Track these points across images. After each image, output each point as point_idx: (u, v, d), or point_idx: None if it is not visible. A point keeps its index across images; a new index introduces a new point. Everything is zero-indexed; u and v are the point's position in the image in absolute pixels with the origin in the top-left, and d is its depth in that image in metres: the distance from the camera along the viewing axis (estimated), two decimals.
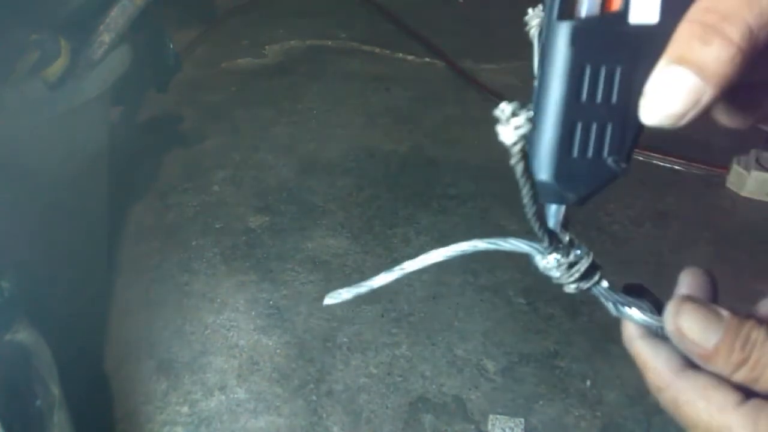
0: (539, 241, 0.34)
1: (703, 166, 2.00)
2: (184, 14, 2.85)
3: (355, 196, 1.89)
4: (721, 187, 1.96)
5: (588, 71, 0.30)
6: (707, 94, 0.27)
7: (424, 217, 1.80)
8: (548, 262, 0.35)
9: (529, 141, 0.32)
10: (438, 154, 2.08)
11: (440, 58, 2.69)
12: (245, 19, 3.10)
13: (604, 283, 0.35)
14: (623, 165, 0.32)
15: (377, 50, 2.81)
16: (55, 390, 0.97)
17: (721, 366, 0.30)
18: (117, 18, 1.36)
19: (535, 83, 0.32)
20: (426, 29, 2.88)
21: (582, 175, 0.32)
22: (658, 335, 0.34)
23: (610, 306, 0.35)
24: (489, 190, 1.89)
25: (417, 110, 2.34)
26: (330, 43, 2.89)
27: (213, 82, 2.53)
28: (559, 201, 0.34)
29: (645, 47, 0.29)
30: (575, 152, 0.32)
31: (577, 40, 0.29)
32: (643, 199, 1.88)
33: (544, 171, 0.32)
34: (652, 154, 2.02)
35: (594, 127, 0.31)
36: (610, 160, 0.32)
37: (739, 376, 0.29)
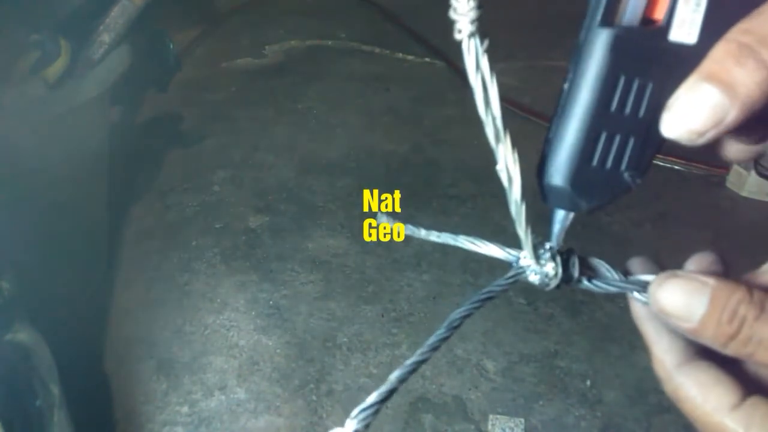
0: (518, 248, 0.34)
1: (703, 166, 2.00)
2: (184, 14, 2.85)
3: (355, 196, 1.89)
4: (721, 187, 1.96)
5: (622, 81, 0.30)
6: (731, 115, 0.26)
7: (424, 217, 1.80)
8: (530, 276, 0.34)
9: (549, 144, 0.32)
10: (438, 154, 2.08)
11: (440, 58, 2.69)
12: (245, 19, 3.10)
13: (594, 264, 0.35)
14: (638, 180, 0.32)
15: (377, 50, 2.81)
16: (55, 390, 0.97)
17: (710, 340, 0.29)
18: (117, 18, 1.36)
19: (565, 86, 0.31)
20: (426, 29, 2.88)
21: (597, 185, 0.32)
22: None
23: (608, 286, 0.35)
24: (489, 191, 1.89)
25: (417, 110, 2.34)
26: (330, 43, 2.89)
27: (213, 82, 2.53)
28: (570, 208, 0.33)
29: (679, 66, 0.29)
30: (595, 161, 0.31)
31: (616, 48, 0.29)
32: (643, 199, 1.87)
33: (560, 176, 0.32)
34: None
35: (617, 138, 0.31)
36: (626, 174, 0.32)
37: (731, 350, 0.29)
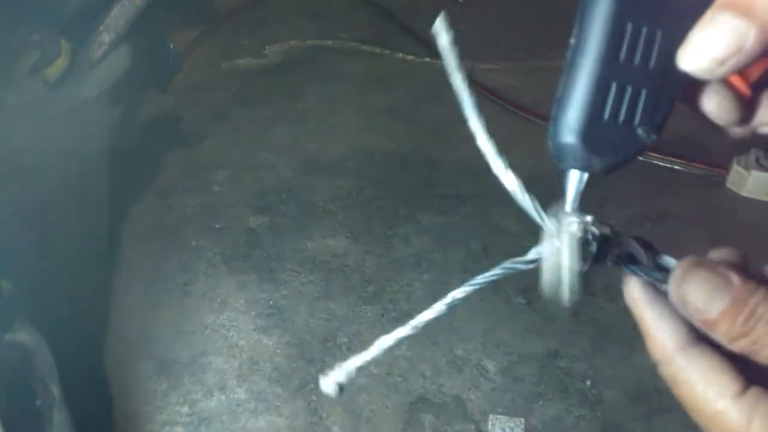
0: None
1: (703, 166, 2.00)
2: (184, 14, 2.85)
3: (355, 196, 1.89)
4: (721, 187, 1.96)
5: (629, 30, 0.29)
6: (750, 39, 0.26)
7: (424, 217, 1.80)
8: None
9: (558, 102, 0.31)
10: (438, 154, 2.08)
11: (440, 58, 2.69)
12: (245, 19, 3.10)
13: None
14: (653, 137, 0.31)
15: (377, 50, 2.81)
16: (55, 390, 0.97)
17: (721, 335, 0.29)
18: (117, 18, 1.36)
19: (571, 40, 0.30)
20: (426, 29, 2.88)
21: (610, 141, 0.31)
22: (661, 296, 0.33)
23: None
24: (489, 190, 1.89)
25: (417, 110, 2.34)
26: (330, 43, 2.89)
27: (213, 82, 2.53)
28: (583, 167, 0.32)
29: (688, 14, 0.28)
30: (606, 115, 0.30)
31: None
32: (643, 199, 1.87)
33: (571, 132, 0.30)
34: (652, 154, 2.02)
35: (629, 90, 0.30)
36: (640, 130, 0.31)
37: (738, 347, 0.29)
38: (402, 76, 2.59)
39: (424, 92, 2.46)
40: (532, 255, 0.34)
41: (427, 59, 2.72)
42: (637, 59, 0.29)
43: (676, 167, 2.01)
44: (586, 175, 0.32)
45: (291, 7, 3.19)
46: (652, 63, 0.29)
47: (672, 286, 0.31)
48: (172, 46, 1.87)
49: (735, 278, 0.29)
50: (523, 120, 2.21)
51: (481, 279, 0.35)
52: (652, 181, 1.95)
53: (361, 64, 2.69)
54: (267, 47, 2.82)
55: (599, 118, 0.30)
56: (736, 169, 1.92)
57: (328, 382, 0.36)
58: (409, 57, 2.75)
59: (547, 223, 0.32)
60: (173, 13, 2.54)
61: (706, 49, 0.27)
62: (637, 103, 0.30)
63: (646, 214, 1.83)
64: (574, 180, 0.32)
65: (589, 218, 0.32)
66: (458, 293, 0.35)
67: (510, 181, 0.31)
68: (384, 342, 0.35)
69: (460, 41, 0.33)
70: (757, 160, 1.90)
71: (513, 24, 3.01)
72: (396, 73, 2.62)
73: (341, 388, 0.36)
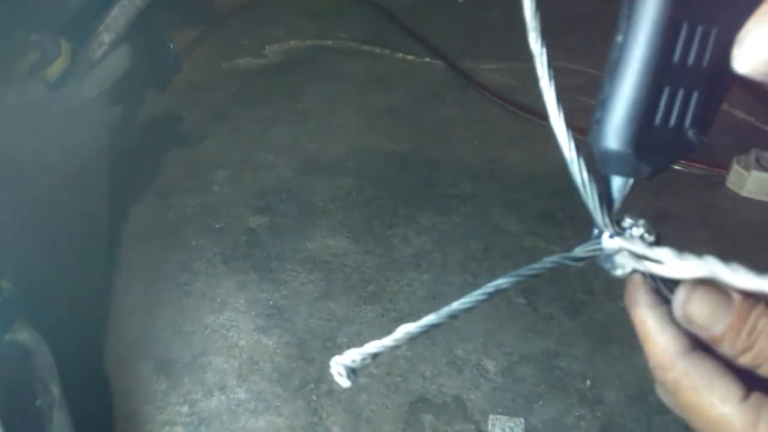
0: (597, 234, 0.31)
1: (703, 166, 2.00)
2: (184, 14, 2.85)
3: (355, 196, 1.89)
4: (721, 187, 1.96)
5: (684, 30, 0.27)
6: None
7: (424, 217, 1.80)
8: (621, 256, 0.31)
9: (603, 105, 0.29)
10: (438, 154, 2.08)
11: (440, 58, 2.69)
12: (245, 19, 3.10)
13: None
14: (703, 138, 0.29)
15: (377, 50, 2.81)
16: (55, 390, 0.97)
17: (726, 350, 0.30)
18: (117, 18, 1.36)
19: (618, 38, 0.28)
20: (426, 29, 2.88)
21: (660, 146, 0.29)
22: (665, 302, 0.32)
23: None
24: (489, 190, 1.89)
25: (417, 110, 2.34)
26: (330, 43, 2.89)
27: (213, 82, 2.53)
28: (631, 174, 0.30)
29: (743, 10, 0.26)
30: (658, 120, 0.28)
31: None
32: (643, 199, 1.87)
33: (620, 139, 0.28)
34: None
35: (681, 93, 0.28)
36: (691, 133, 0.29)
37: (742, 361, 0.30)
38: (402, 76, 2.59)
39: (424, 92, 2.46)
40: (578, 252, 0.32)
41: (427, 59, 2.72)
42: (691, 60, 0.28)
43: (676, 167, 2.01)
44: (630, 181, 0.31)
45: (291, 7, 3.19)
46: (705, 63, 0.28)
47: (677, 306, 0.31)
48: (172, 46, 1.87)
49: (735, 295, 0.30)
50: (523, 120, 2.21)
51: (525, 271, 0.33)
52: (652, 181, 1.95)
53: (361, 64, 2.69)
54: (267, 47, 2.83)
55: (650, 124, 0.28)
56: (736, 169, 1.92)
57: (340, 366, 0.33)
58: (409, 57, 2.75)
59: (608, 224, 0.31)
60: (173, 13, 2.54)
61: (762, 51, 0.25)
62: (689, 106, 0.29)
63: (645, 214, 1.82)
64: (618, 185, 0.31)
65: (642, 222, 0.32)
66: (502, 283, 0.33)
67: (583, 176, 0.30)
68: (409, 328, 0.33)
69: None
70: (757, 160, 1.91)
71: (513, 24, 3.01)
72: (396, 73, 2.62)
73: (354, 372, 0.34)
